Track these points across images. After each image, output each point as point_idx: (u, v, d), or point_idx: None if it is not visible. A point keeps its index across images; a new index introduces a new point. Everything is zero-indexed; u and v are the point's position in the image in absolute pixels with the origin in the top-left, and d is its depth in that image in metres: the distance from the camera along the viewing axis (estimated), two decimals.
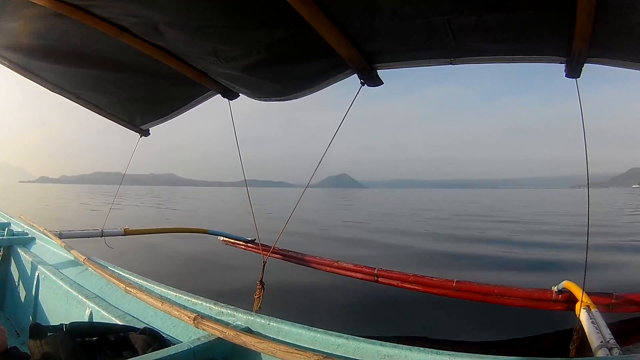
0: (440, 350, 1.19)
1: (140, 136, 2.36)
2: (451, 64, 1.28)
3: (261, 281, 1.49)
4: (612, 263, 5.38)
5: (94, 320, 1.85)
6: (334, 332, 1.27)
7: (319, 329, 1.29)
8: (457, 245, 7.82)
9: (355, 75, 1.40)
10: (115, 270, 1.99)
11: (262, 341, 1.25)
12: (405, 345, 1.20)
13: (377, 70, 1.37)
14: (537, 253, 6.70)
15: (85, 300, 1.93)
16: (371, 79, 1.38)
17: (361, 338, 1.24)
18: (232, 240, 3.77)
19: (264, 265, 1.57)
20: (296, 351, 1.19)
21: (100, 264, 2.07)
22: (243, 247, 3.69)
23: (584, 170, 1.30)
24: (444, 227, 11.91)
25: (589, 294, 2.01)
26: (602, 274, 4.50)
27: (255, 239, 3.35)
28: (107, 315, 1.78)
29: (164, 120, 2.21)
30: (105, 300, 1.90)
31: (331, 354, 1.22)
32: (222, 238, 3.82)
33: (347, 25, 1.21)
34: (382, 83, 1.39)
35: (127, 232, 3.08)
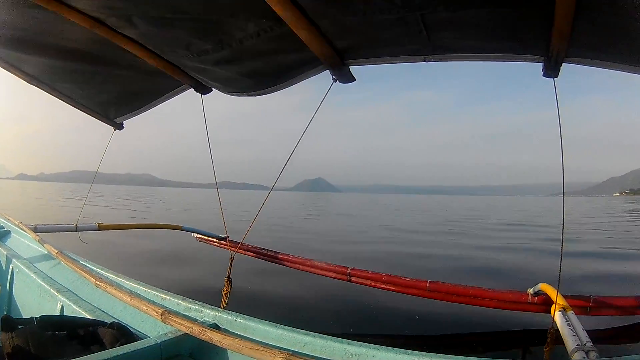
0: (408, 350, 1.17)
1: (115, 130, 2.34)
2: (425, 61, 1.26)
3: (229, 277, 1.47)
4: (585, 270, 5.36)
5: (65, 314, 1.84)
6: (301, 330, 1.25)
7: (287, 327, 1.26)
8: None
9: (328, 71, 1.38)
10: (87, 265, 1.96)
11: (228, 337, 1.23)
12: (373, 344, 1.18)
13: (350, 67, 1.35)
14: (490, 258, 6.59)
15: (57, 294, 1.92)
16: (343, 76, 1.36)
17: (329, 336, 1.22)
18: (205, 237, 3.77)
19: (231, 261, 1.54)
20: (262, 348, 1.17)
21: (73, 258, 2.04)
22: (216, 244, 3.68)
23: (559, 179, 1.29)
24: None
25: (566, 297, 2.00)
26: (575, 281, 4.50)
27: (228, 236, 3.38)
28: (77, 309, 1.77)
29: (138, 113, 2.20)
30: (76, 295, 1.88)
31: (298, 352, 1.20)
32: (195, 235, 3.82)
33: (319, 21, 1.18)
34: (355, 80, 1.38)
35: (101, 227, 3.07)
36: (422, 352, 1.15)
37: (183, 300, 1.50)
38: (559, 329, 1.65)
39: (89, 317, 1.68)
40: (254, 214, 1.75)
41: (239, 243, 2.98)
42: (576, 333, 1.57)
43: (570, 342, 1.48)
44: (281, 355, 1.12)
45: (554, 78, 1.27)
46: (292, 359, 1.10)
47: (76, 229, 2.84)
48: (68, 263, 1.98)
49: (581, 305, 2.10)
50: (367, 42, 1.26)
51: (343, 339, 1.20)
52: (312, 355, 1.19)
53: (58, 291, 1.93)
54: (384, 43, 1.24)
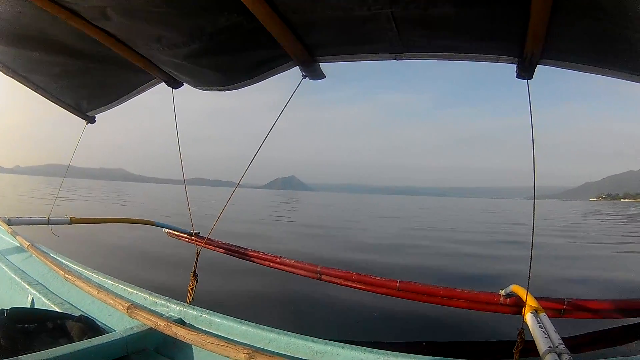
0: (373, 349, 1.16)
1: (87, 123, 2.32)
2: (395, 59, 1.25)
3: (194, 272, 1.45)
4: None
5: (35, 307, 1.81)
6: (265, 327, 1.24)
7: (251, 323, 1.25)
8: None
9: (298, 69, 1.37)
10: (57, 258, 1.93)
11: (192, 332, 1.21)
12: (337, 342, 1.18)
13: (320, 64, 1.35)
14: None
15: (28, 287, 1.89)
16: (313, 72, 1.36)
17: (293, 334, 1.21)
18: (176, 233, 3.75)
19: (197, 256, 1.53)
20: (226, 344, 1.16)
21: (43, 251, 2.00)
22: (186, 239, 3.65)
23: (537, 181, 1.28)
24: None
25: (539, 299, 2.00)
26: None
27: (199, 232, 3.38)
28: (47, 302, 1.75)
29: (110, 107, 2.19)
30: (46, 288, 1.85)
31: (262, 349, 1.18)
32: (167, 230, 3.81)
33: (289, 16, 1.18)
34: (324, 77, 1.37)
35: (73, 221, 3.04)
36: (387, 352, 1.15)
37: (150, 294, 1.48)
38: (530, 331, 1.64)
39: (58, 310, 1.66)
40: (225, 211, 1.73)
41: (212, 240, 3.03)
42: (548, 335, 1.56)
43: (542, 344, 1.46)
44: (244, 351, 1.11)
45: (527, 80, 1.27)
46: (255, 355, 1.09)
47: (48, 222, 2.81)
48: (39, 256, 1.94)
49: (555, 307, 2.10)
50: (337, 39, 1.25)
51: (307, 337, 1.20)
52: (276, 352, 1.18)
53: (29, 284, 1.91)
54: (354, 40, 1.23)
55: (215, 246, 3.26)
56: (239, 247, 3.22)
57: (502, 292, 2.05)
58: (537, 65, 1.26)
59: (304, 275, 2.66)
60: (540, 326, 1.66)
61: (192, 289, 1.43)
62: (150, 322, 1.30)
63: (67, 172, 2.80)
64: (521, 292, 1.90)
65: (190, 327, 1.29)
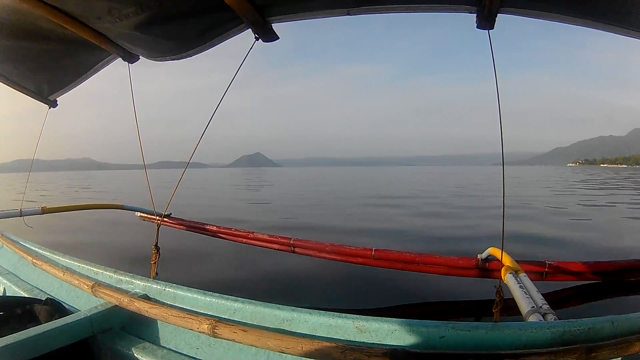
0: (342, 314, 1.13)
1: (49, 108, 2.26)
2: (349, 14, 1.19)
3: (156, 245, 1.41)
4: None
5: (7, 295, 1.79)
6: (230, 297, 1.21)
7: (215, 294, 1.22)
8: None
9: (250, 31, 1.32)
10: (26, 245, 1.90)
11: (155, 306, 1.18)
12: (304, 309, 1.15)
13: (272, 24, 1.29)
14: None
15: None
16: (265, 33, 1.30)
17: (259, 302, 1.18)
18: (147, 215, 3.80)
19: (157, 229, 1.49)
20: (189, 316, 1.13)
21: (13, 240, 1.97)
22: (158, 221, 3.66)
23: (506, 148, 1.24)
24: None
25: (521, 262, 1.99)
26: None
27: (170, 214, 3.39)
28: (17, 289, 1.73)
29: (69, 88, 2.14)
30: (17, 276, 1.82)
31: (227, 319, 1.16)
32: (138, 213, 3.86)
33: None
34: (278, 38, 1.32)
35: (45, 211, 3.09)
36: (357, 316, 1.12)
37: (115, 272, 1.44)
38: (511, 292, 1.62)
39: (27, 295, 1.64)
40: (194, 191, 1.68)
41: (180, 220, 3.03)
42: (530, 296, 1.54)
43: (524, 305, 1.44)
44: (207, 322, 1.08)
45: (488, 30, 1.21)
46: (218, 325, 1.06)
47: (21, 214, 2.86)
48: (9, 245, 1.91)
49: (536, 270, 2.10)
50: None
51: (274, 304, 1.17)
52: (242, 322, 1.16)
53: (0, 274, 1.88)
54: None
55: (189, 227, 3.25)
56: (212, 225, 3.19)
57: (480, 256, 2.04)
58: (498, 15, 1.20)
59: (277, 249, 2.64)
60: (520, 286, 1.65)
61: (155, 263, 1.39)
62: (114, 299, 1.27)
63: (32, 166, 2.77)
64: (499, 254, 1.89)
65: (155, 301, 1.26)
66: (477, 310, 2.38)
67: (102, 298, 1.30)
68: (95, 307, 1.28)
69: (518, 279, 1.71)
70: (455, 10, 1.18)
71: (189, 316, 1.12)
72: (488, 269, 2.03)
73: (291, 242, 2.55)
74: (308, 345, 0.98)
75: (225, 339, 1.05)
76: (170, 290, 1.28)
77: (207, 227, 3.16)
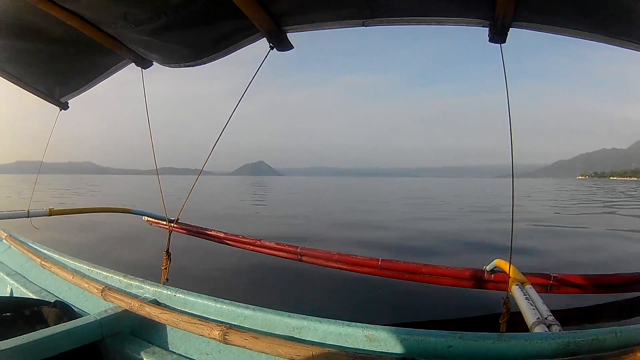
0: (351, 322, 1.14)
1: (60, 110, 2.28)
2: (364, 25, 1.21)
3: (167, 251, 1.42)
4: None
5: (14, 296, 1.79)
6: (241, 304, 1.21)
7: (226, 300, 1.23)
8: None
9: (261, 41, 1.35)
10: (34, 246, 1.91)
11: (166, 312, 1.19)
12: (314, 317, 1.15)
13: (287, 34, 1.32)
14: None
15: (6, 278, 1.88)
16: (280, 43, 1.32)
17: (269, 309, 1.18)
18: (155, 220, 3.77)
19: (169, 235, 1.50)
20: (200, 322, 1.13)
21: (21, 241, 1.98)
22: (165, 226, 3.67)
23: (507, 160, 1.26)
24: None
25: (526, 274, 1.99)
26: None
27: (178, 219, 3.42)
28: (25, 291, 1.73)
29: (82, 91, 2.16)
30: (24, 277, 1.83)
31: (237, 326, 1.16)
32: (145, 218, 3.84)
33: None
34: (292, 47, 1.34)
35: (52, 213, 3.08)
36: (367, 325, 1.13)
37: (124, 277, 1.45)
38: (517, 302, 1.63)
39: (35, 297, 1.64)
40: (202, 199, 1.70)
41: (190, 225, 3.04)
42: (536, 307, 1.54)
43: (529, 316, 1.44)
44: (218, 328, 1.08)
45: (500, 44, 1.23)
46: (229, 332, 1.07)
47: (28, 215, 2.86)
48: (17, 246, 1.92)
49: (541, 283, 2.10)
50: (303, 7, 1.21)
51: (284, 312, 1.17)
52: (253, 329, 1.16)
53: (7, 274, 1.89)
54: (320, 6, 1.19)
55: (194, 232, 3.25)
56: (218, 231, 3.20)
57: (486, 267, 2.04)
58: (510, 29, 1.22)
59: (284, 258, 2.64)
60: (526, 298, 1.65)
61: (165, 269, 1.40)
62: (124, 304, 1.27)
63: (40, 167, 2.80)
64: (505, 266, 1.89)
65: (165, 307, 1.27)
66: (483, 321, 2.38)
67: (112, 302, 1.31)
68: (105, 311, 1.28)
69: (524, 291, 1.71)
70: (468, 24, 1.21)
71: (200, 322, 1.12)
72: (494, 281, 2.03)
73: (298, 250, 2.55)
74: (318, 353, 0.99)
75: (236, 346, 1.06)
76: (180, 296, 1.29)
77: (214, 233, 3.16)
